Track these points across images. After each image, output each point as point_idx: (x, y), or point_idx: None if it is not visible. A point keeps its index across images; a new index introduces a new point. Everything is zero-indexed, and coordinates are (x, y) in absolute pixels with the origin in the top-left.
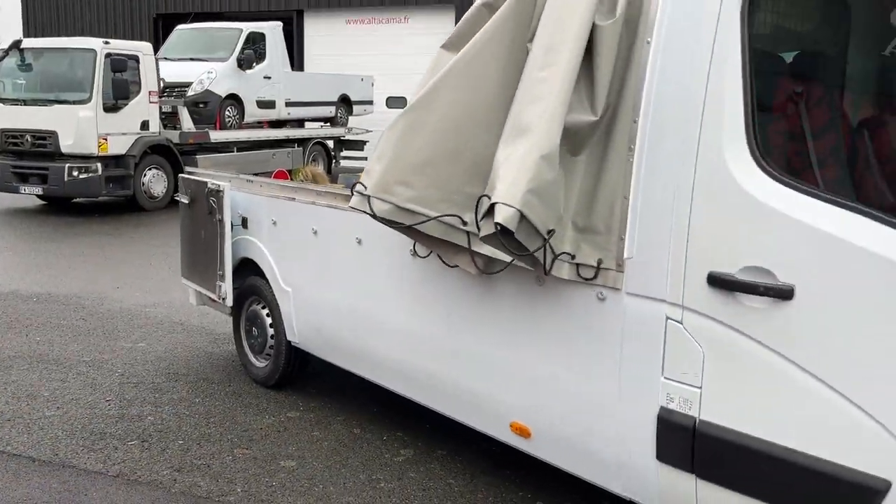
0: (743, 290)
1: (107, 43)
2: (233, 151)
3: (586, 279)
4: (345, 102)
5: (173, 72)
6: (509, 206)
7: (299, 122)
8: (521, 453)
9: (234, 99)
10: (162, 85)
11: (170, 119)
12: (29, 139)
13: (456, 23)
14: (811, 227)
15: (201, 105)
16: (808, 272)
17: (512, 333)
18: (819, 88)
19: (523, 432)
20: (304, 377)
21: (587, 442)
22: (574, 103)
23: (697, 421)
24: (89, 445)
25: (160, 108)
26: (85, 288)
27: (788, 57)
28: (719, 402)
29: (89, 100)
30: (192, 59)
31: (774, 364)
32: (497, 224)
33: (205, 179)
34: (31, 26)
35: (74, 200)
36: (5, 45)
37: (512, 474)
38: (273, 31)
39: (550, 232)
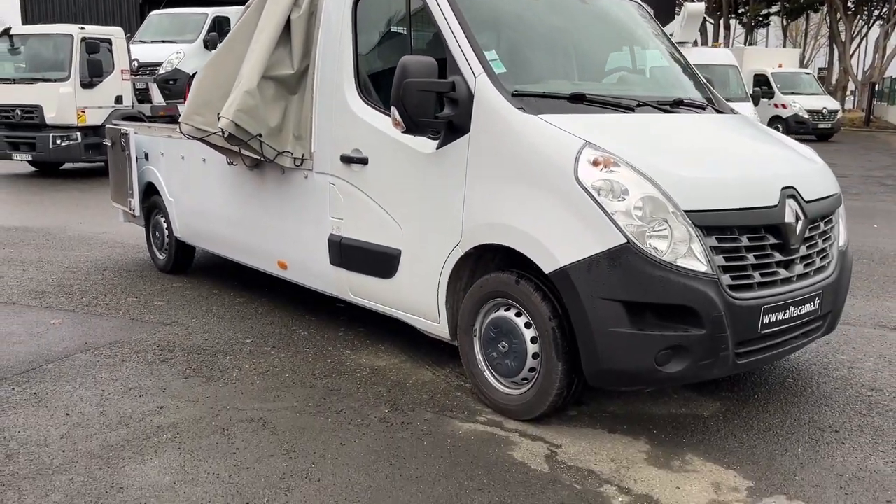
0: (352, 162)
1: (82, 28)
2: None
3: (298, 166)
4: None
5: (147, 53)
6: (226, 118)
7: None
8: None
9: None
10: (136, 64)
11: (145, 95)
12: (18, 113)
13: None
14: (371, 125)
15: (171, 82)
16: (372, 149)
17: (272, 206)
18: (385, 55)
19: (283, 266)
20: (195, 268)
21: (308, 264)
22: (283, 63)
23: (342, 238)
24: (32, 296)
25: (134, 84)
26: (54, 223)
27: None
28: (349, 224)
29: (68, 78)
30: (163, 42)
31: (364, 199)
32: (220, 129)
33: (119, 126)
34: (29, 15)
35: (62, 167)
36: None
37: (304, 310)
38: (237, 15)
39: (259, 134)
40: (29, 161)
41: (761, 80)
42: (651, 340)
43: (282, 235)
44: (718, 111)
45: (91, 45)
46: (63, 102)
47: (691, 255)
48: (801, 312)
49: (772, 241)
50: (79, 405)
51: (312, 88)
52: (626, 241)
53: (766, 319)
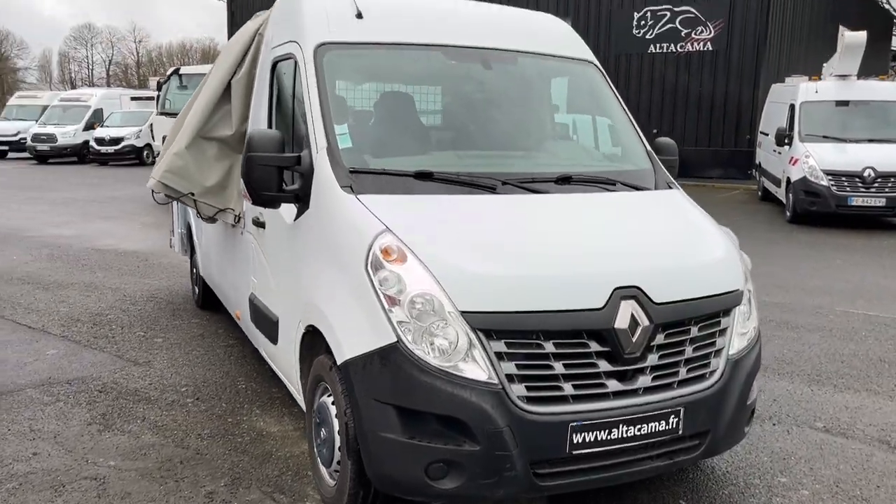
0: (258, 225)
1: None
2: None
3: (236, 223)
4: None
5: None
6: (153, 178)
7: None
8: None
9: None
10: None
11: None
12: None
13: None
14: None
15: None
16: (266, 214)
17: (230, 258)
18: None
19: (238, 317)
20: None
21: (244, 318)
22: (224, 124)
23: (255, 297)
24: (62, 324)
25: None
26: (159, 249)
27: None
28: (259, 285)
29: None
30: None
31: (264, 263)
32: (150, 188)
33: None
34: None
35: None
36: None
37: None
38: None
39: (191, 193)
40: None
41: None
42: (420, 451)
43: (233, 287)
44: (637, 188)
45: None
46: None
47: (470, 360)
48: (643, 432)
49: (597, 348)
50: None
51: None
52: (396, 340)
53: (577, 438)
